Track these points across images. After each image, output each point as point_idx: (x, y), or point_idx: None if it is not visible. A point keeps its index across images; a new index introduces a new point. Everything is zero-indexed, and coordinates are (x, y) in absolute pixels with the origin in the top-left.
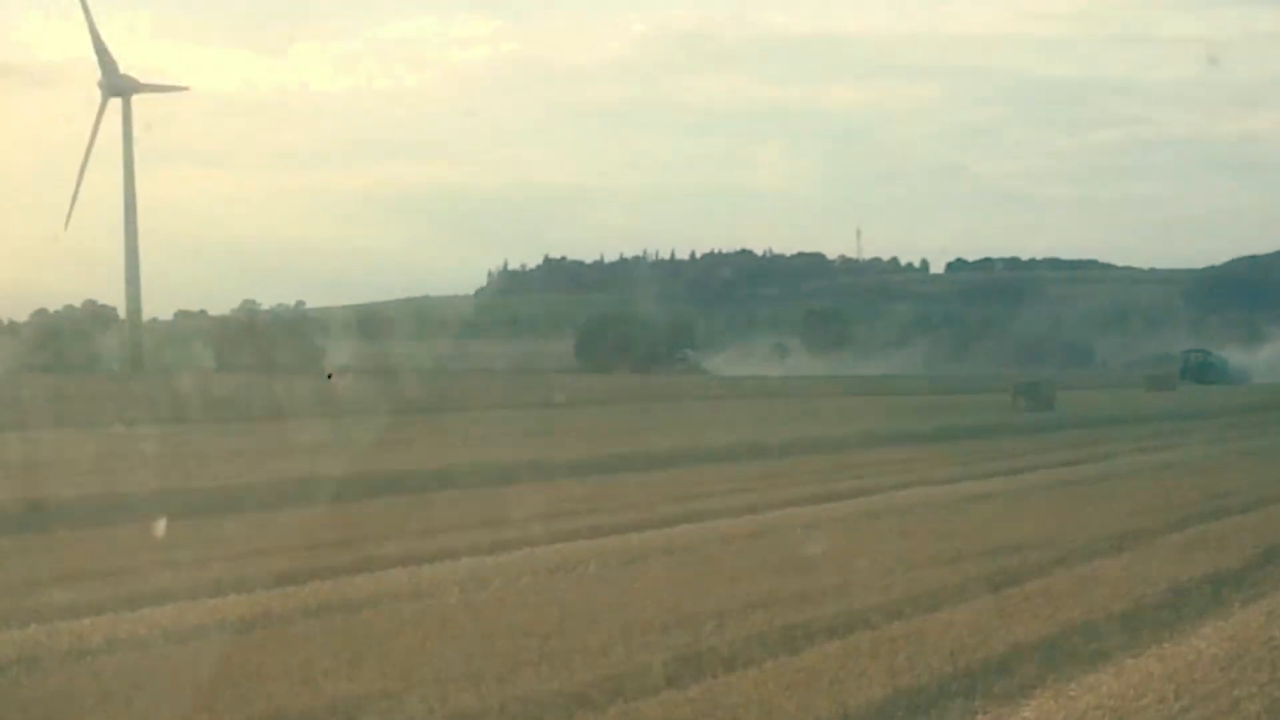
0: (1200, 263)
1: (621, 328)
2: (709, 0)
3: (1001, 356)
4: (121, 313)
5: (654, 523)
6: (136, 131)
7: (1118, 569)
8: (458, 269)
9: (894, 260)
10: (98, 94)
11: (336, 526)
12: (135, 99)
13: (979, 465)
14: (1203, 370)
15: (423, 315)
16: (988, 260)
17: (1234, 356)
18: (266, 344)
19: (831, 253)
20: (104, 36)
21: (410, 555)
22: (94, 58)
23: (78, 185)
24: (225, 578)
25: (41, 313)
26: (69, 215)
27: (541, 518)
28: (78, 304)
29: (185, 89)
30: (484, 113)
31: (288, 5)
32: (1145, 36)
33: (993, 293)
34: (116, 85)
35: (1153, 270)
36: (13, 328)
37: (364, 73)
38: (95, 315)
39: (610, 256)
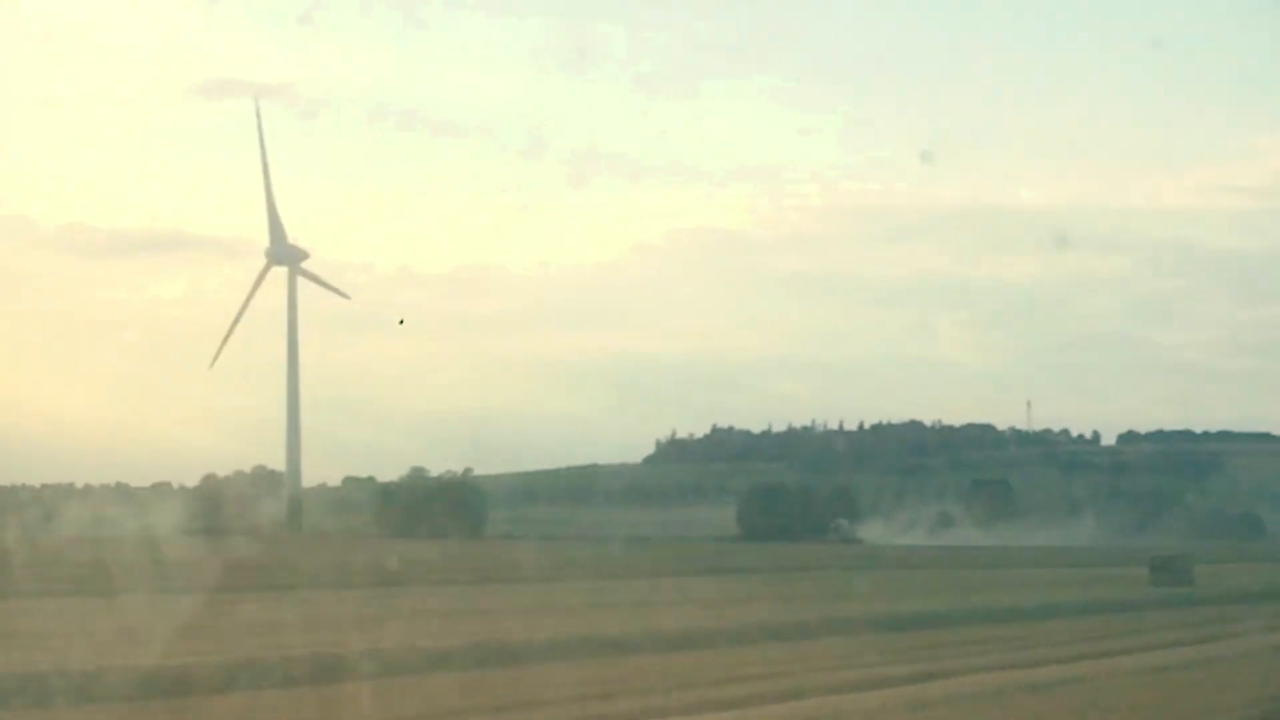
0: None
1: (781, 497)
2: (890, 174)
3: (1175, 529)
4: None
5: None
6: (301, 301)
7: None
8: (627, 437)
9: (1065, 431)
10: (264, 260)
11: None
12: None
13: (1077, 646)
14: None
15: (588, 482)
16: (1160, 432)
17: None
18: (430, 509)
19: (1002, 424)
20: (279, 209)
21: None
22: (266, 225)
23: (227, 335)
24: None
25: (210, 477)
26: (215, 357)
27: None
28: (247, 469)
29: (347, 298)
30: (661, 284)
31: (456, 170)
32: None
33: (1165, 465)
34: (282, 255)
35: None
36: (181, 491)
37: (537, 243)
38: (261, 480)
39: (779, 426)
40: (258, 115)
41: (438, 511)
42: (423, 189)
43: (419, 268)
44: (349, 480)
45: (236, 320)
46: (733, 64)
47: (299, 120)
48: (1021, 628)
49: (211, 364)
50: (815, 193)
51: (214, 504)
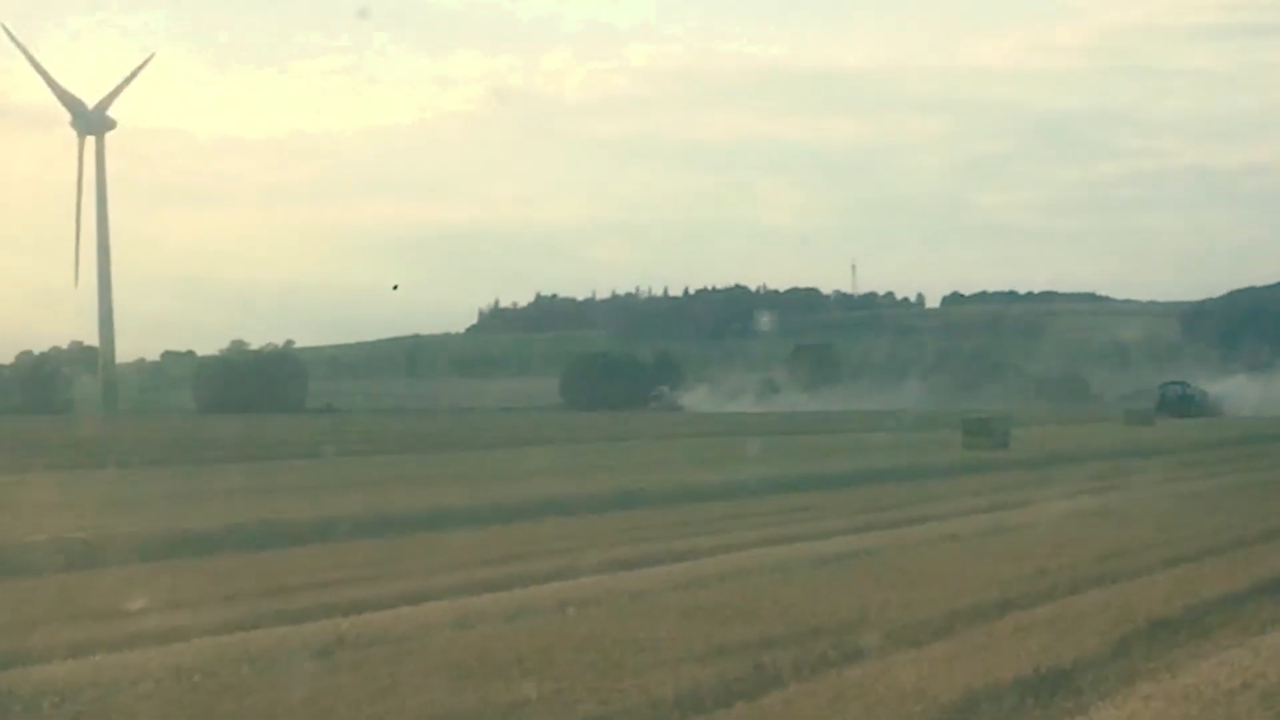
0: (1199, 294)
1: (603, 366)
2: (709, 34)
3: (1001, 392)
4: None
5: (434, 593)
6: (111, 169)
7: (912, 668)
8: (449, 307)
9: (889, 295)
10: (73, 136)
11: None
12: (115, 139)
13: (871, 516)
14: (1181, 403)
15: (412, 354)
16: (984, 294)
17: (1214, 388)
18: (248, 384)
19: (828, 288)
20: (66, 81)
21: None
22: (57, 101)
23: (77, 234)
24: None
25: (26, 354)
26: (76, 268)
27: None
28: (65, 346)
29: (150, 55)
30: (479, 150)
31: (279, 41)
32: (1150, 69)
33: (989, 327)
34: (89, 123)
35: (1152, 303)
36: None
37: (358, 110)
38: (78, 357)
39: (603, 294)
40: None
41: (256, 385)
42: (241, 53)
43: (237, 135)
44: (168, 355)
45: (78, 214)
46: None
47: None
48: (818, 496)
49: (76, 282)
50: (635, 54)
51: (27, 381)
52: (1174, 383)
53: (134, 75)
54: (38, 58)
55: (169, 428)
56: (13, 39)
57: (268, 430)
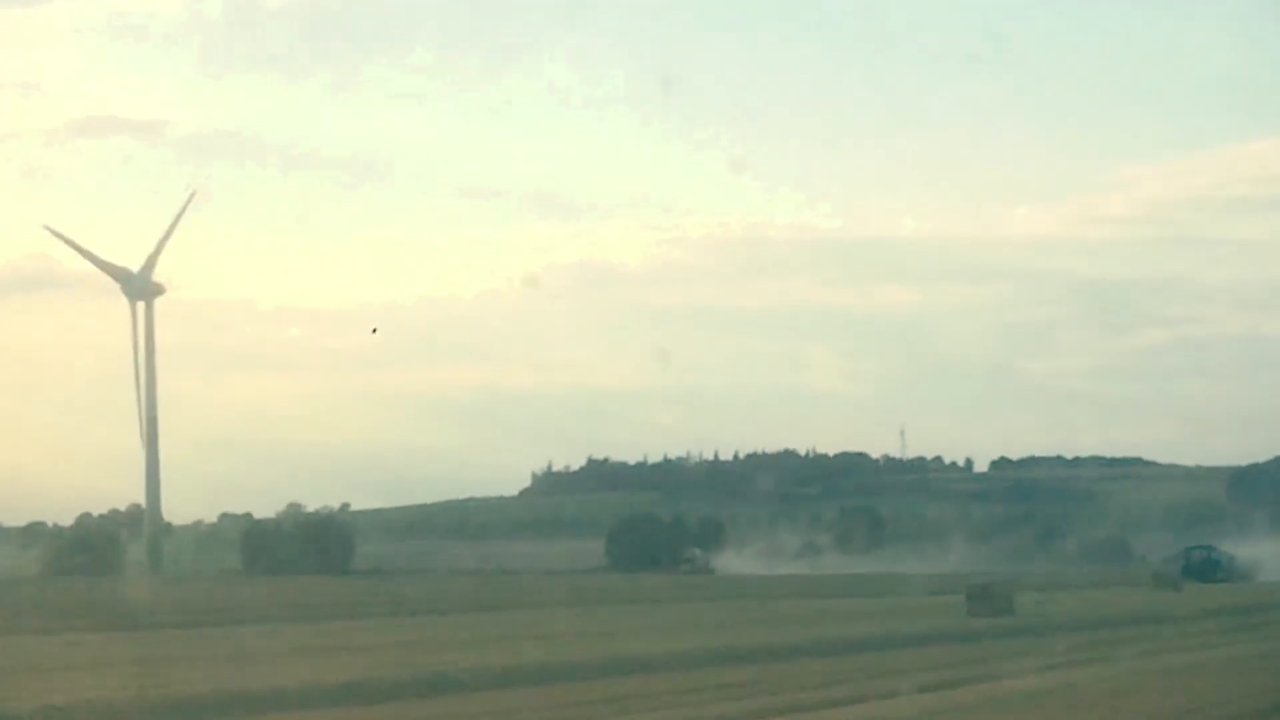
0: (1245, 459)
1: (647, 528)
2: (764, 206)
3: (1045, 556)
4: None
5: None
6: (178, 337)
7: None
8: (504, 471)
9: (938, 459)
10: (125, 302)
11: None
12: (179, 308)
13: (802, 695)
14: (1206, 567)
15: (465, 516)
16: (1032, 458)
17: (1253, 552)
18: (294, 546)
19: (876, 453)
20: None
21: None
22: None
23: (139, 396)
24: None
25: (86, 516)
26: (142, 429)
27: None
28: (122, 508)
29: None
30: (535, 316)
31: (336, 206)
32: (1196, 238)
33: (1036, 492)
34: (137, 290)
35: (1198, 467)
36: (55, 530)
37: (415, 279)
38: (135, 519)
39: (654, 458)
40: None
41: (305, 548)
42: (306, 225)
43: (299, 304)
44: (224, 517)
45: (138, 374)
46: (610, 101)
47: (175, 159)
48: (761, 670)
49: (143, 444)
50: (692, 225)
51: (85, 543)
52: (1199, 546)
53: (168, 236)
54: (82, 240)
55: (194, 591)
56: (57, 234)
57: (293, 593)
